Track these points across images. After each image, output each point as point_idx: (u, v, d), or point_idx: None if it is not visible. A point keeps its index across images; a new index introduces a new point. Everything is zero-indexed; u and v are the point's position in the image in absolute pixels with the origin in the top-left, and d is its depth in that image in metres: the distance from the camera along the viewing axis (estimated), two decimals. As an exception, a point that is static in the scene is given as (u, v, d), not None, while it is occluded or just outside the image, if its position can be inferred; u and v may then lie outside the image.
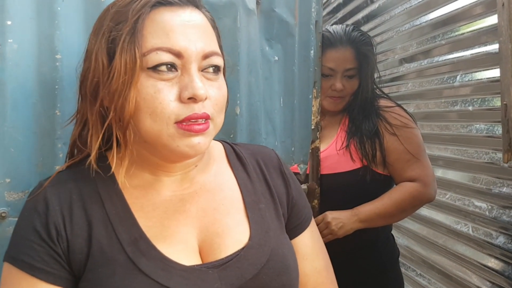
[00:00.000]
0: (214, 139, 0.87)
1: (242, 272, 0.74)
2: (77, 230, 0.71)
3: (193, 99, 0.69)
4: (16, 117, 0.86)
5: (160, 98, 0.68)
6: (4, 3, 0.83)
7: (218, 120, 0.75)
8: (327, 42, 1.54)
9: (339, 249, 1.50)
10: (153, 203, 0.77)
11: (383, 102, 1.60)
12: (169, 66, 0.69)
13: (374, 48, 1.62)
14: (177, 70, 0.70)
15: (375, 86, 1.64)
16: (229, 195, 0.83)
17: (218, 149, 0.90)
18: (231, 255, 0.75)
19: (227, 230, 0.78)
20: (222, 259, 0.75)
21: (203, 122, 0.71)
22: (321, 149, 1.54)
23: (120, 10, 0.72)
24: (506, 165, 1.04)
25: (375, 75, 1.64)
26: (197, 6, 0.76)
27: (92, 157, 0.73)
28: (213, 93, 0.73)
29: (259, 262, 0.76)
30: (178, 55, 0.69)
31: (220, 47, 0.79)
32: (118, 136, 0.71)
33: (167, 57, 0.69)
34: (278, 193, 0.88)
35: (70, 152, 0.80)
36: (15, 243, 0.72)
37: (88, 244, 0.71)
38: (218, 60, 0.74)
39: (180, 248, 0.74)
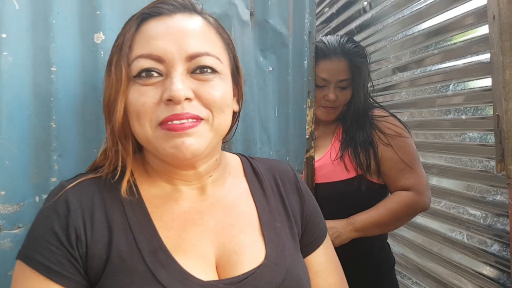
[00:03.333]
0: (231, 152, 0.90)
1: None
2: (98, 236, 0.71)
3: (172, 100, 0.70)
4: (11, 129, 0.85)
5: (142, 101, 0.71)
6: (-1, 16, 0.84)
7: (216, 121, 0.74)
8: (321, 53, 1.55)
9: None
10: (172, 213, 0.77)
11: (377, 112, 1.62)
12: (150, 72, 0.71)
13: (367, 59, 1.64)
14: (162, 75, 0.72)
15: (368, 96, 1.66)
16: (245, 212, 0.83)
17: (235, 162, 0.91)
18: (247, 272, 0.75)
19: (243, 247, 0.78)
20: (239, 276, 0.74)
21: (189, 122, 0.70)
22: (316, 158, 1.55)
23: (122, 30, 0.77)
24: (504, 172, 1.05)
25: (369, 85, 1.65)
26: (191, 10, 0.77)
27: (106, 167, 0.77)
28: (204, 93, 0.72)
29: (275, 281, 0.76)
30: (158, 60, 0.71)
31: (230, 50, 0.81)
32: (121, 144, 0.75)
33: (148, 63, 0.71)
34: (293, 210, 0.88)
35: (94, 162, 0.82)
36: (31, 242, 0.71)
37: (108, 251, 0.70)
38: (209, 61, 0.73)
39: (198, 262, 0.74)
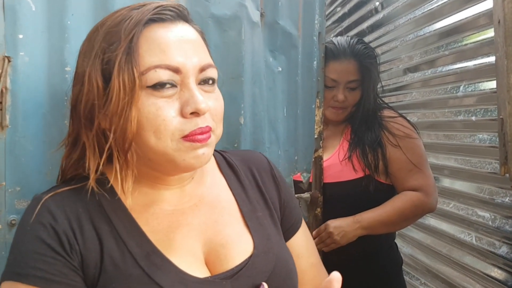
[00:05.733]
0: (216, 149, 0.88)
1: (253, 281, 0.75)
2: (89, 244, 0.69)
3: (195, 113, 0.70)
4: (27, 127, 0.88)
5: (162, 115, 0.69)
6: (16, 18, 0.86)
7: (218, 131, 0.77)
8: (331, 54, 1.56)
9: (342, 258, 1.52)
10: (157, 217, 0.76)
11: (386, 113, 1.63)
12: (166, 83, 0.69)
13: (377, 60, 1.65)
14: (176, 86, 0.71)
15: (377, 97, 1.67)
16: (227, 207, 0.84)
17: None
18: (239, 264, 0.76)
19: (230, 241, 0.79)
20: (232, 269, 0.75)
21: (205, 131, 0.72)
22: (324, 158, 1.56)
23: (111, 30, 0.71)
24: (507, 175, 1.06)
25: (378, 86, 1.66)
26: (187, 20, 0.77)
27: (92, 180, 0.72)
28: (212, 105, 0.74)
29: (267, 269, 0.78)
30: (176, 70, 0.70)
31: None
32: (118, 157, 0.71)
33: (166, 74, 0.69)
34: (271, 198, 0.90)
35: (63, 174, 0.79)
36: (20, 259, 0.67)
37: (100, 259, 0.69)
38: (214, 72, 0.75)
39: (190, 261, 0.74)
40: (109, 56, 0.70)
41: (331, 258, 1.50)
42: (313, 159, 1.45)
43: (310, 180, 1.48)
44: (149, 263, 0.70)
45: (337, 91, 1.58)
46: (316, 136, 1.44)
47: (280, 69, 1.31)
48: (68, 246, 0.68)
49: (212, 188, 0.85)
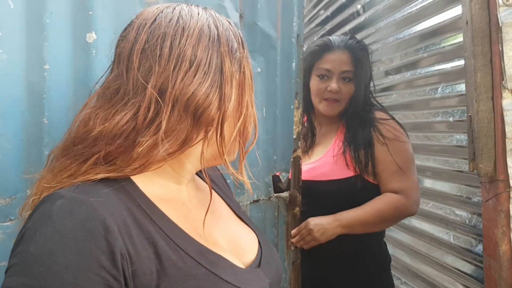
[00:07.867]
0: None
1: (271, 266, 0.80)
2: (141, 251, 0.62)
3: None
4: (4, 125, 0.88)
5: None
6: (-6, 16, 0.87)
7: None
8: (325, 47, 1.63)
9: (332, 253, 1.55)
10: (183, 214, 0.73)
11: (378, 114, 1.66)
12: None
13: (369, 55, 1.69)
14: None
15: (371, 95, 1.70)
16: (220, 203, 0.86)
17: None
18: (257, 254, 0.80)
19: (240, 233, 0.83)
20: (255, 258, 0.79)
21: None
22: (317, 156, 1.59)
23: (229, 33, 0.76)
24: (476, 171, 1.08)
25: (371, 84, 1.70)
26: None
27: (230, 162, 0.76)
28: None
29: (275, 255, 0.85)
30: None
31: None
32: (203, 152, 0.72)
33: None
34: (230, 194, 0.94)
35: (142, 166, 0.68)
36: (51, 272, 0.55)
37: (158, 263, 0.62)
38: None
39: (228, 254, 0.73)
40: (238, 56, 0.74)
41: (321, 254, 1.53)
42: (292, 159, 1.46)
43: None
44: (206, 261, 0.67)
45: (330, 81, 1.61)
46: (295, 137, 1.46)
47: (259, 70, 1.33)
48: (120, 258, 0.58)
49: (198, 183, 0.86)
